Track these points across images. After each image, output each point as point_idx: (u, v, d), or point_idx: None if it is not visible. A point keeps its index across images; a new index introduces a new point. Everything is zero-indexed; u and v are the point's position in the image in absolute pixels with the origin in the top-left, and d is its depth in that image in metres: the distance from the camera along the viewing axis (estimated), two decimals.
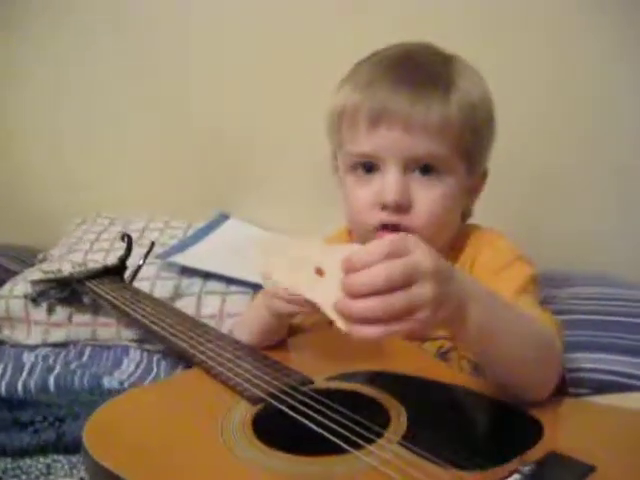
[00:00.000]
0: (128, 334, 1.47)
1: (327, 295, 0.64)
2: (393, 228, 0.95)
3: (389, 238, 0.64)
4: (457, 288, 0.68)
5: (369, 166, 0.97)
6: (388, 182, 0.94)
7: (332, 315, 0.63)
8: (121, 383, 1.28)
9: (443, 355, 0.99)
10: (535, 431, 0.71)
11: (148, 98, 2.00)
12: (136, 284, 1.49)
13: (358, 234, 1.05)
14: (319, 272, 0.65)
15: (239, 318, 1.25)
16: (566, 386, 0.89)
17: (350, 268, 0.63)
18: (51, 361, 1.37)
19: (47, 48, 2.03)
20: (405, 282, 0.62)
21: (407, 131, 0.93)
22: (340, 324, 0.63)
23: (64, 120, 2.11)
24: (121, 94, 2.03)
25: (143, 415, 0.83)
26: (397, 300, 0.61)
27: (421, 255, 0.64)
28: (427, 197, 0.95)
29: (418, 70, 0.96)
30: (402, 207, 0.94)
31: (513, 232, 1.05)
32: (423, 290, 0.63)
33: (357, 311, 0.61)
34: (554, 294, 1.41)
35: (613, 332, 1.24)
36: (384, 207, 0.95)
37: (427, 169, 0.95)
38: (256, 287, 1.58)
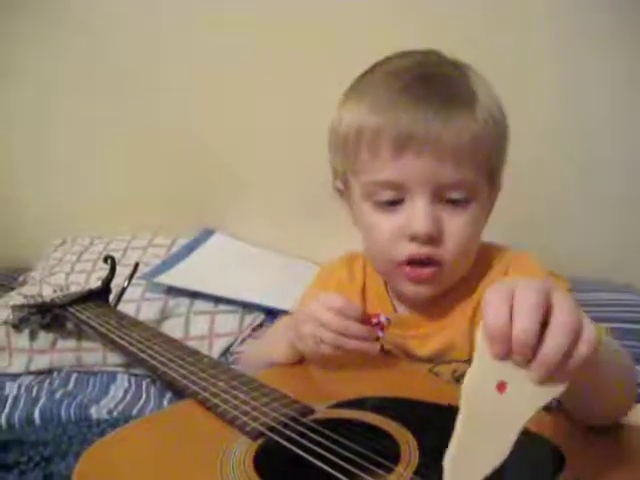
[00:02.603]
0: (115, 359, 1.43)
1: (527, 401, 0.56)
2: (423, 261, 0.90)
3: (534, 297, 0.56)
4: None
5: (392, 199, 0.89)
6: (418, 212, 0.87)
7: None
8: (109, 412, 1.24)
9: (458, 379, 0.95)
10: (556, 459, 0.67)
11: (130, 114, 1.97)
12: (121, 306, 1.45)
13: (380, 267, 0.99)
14: (502, 387, 0.56)
15: (249, 351, 1.20)
16: None
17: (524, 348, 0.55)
18: (35, 391, 1.32)
19: (29, 67, 2.00)
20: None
21: (437, 157, 0.85)
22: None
23: (43, 140, 2.07)
24: (102, 111, 1.99)
25: (136, 455, 0.78)
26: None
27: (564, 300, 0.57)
28: (457, 226, 0.89)
29: (440, 86, 0.88)
30: (433, 239, 0.88)
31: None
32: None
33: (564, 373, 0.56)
34: None
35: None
36: (413, 239, 0.88)
37: (456, 196, 0.89)
38: (245, 306, 1.55)
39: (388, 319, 0.91)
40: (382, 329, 0.90)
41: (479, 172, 0.89)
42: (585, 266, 1.56)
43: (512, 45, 1.58)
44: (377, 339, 0.90)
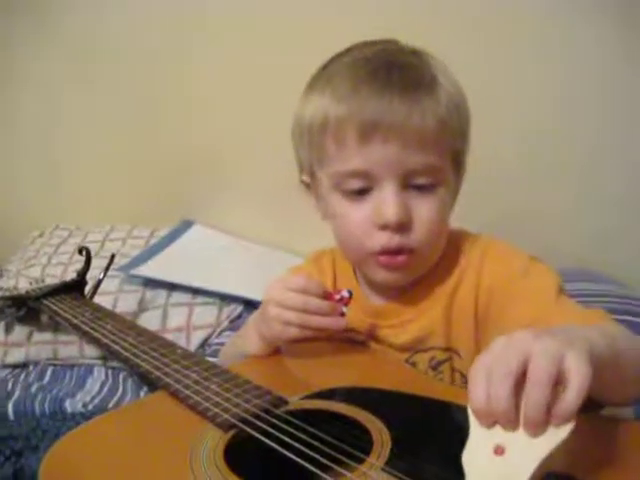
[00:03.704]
0: (92, 352, 1.42)
1: (526, 456, 0.57)
2: (396, 250, 0.89)
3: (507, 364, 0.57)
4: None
5: (361, 188, 0.88)
6: (388, 201, 0.86)
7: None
8: (85, 405, 1.23)
9: (435, 367, 0.94)
10: None
11: (107, 104, 1.95)
12: (98, 299, 1.43)
13: (352, 257, 0.98)
14: (498, 451, 0.58)
15: (226, 347, 1.19)
16: None
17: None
18: (10, 385, 1.31)
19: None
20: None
21: (403, 143, 0.85)
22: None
23: (18, 131, 2.05)
24: (80, 104, 1.99)
25: (105, 448, 0.77)
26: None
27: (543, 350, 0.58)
28: (425, 212, 0.88)
29: (402, 73, 0.87)
30: (404, 226, 0.87)
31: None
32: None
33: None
34: None
35: None
36: (383, 228, 0.87)
37: (423, 182, 0.88)
38: (223, 297, 1.53)
39: (350, 292, 0.91)
40: (346, 304, 0.91)
41: (444, 157, 0.89)
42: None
43: (514, 44, 1.57)
44: (342, 314, 0.90)
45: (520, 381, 0.57)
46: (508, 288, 0.89)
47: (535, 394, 0.56)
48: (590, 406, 0.60)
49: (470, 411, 0.59)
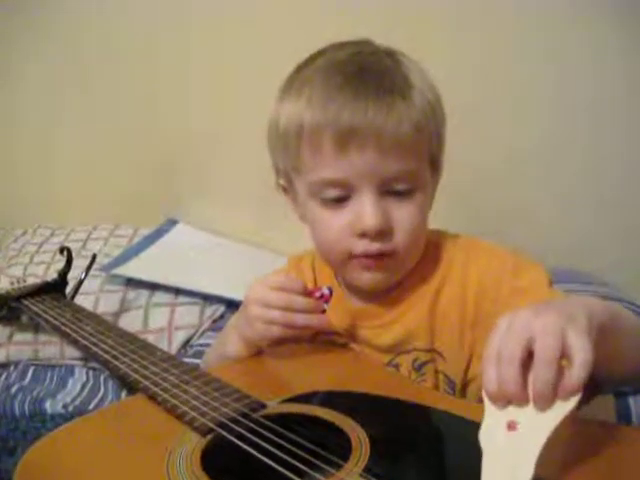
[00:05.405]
0: (73, 352, 1.41)
1: (537, 428, 0.61)
2: (375, 255, 0.88)
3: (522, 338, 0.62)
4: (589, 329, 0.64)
5: (338, 196, 0.88)
6: (366, 208, 0.86)
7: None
8: (65, 406, 1.22)
9: (418, 369, 0.93)
10: None
11: (93, 107, 1.96)
12: (79, 299, 1.42)
13: (332, 262, 0.97)
14: (512, 426, 0.62)
15: (209, 350, 1.18)
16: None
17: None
18: None
19: None
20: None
21: (380, 151, 0.84)
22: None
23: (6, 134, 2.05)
24: (64, 105, 1.99)
25: (82, 452, 0.76)
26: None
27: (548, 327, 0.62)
28: (404, 217, 0.88)
29: (377, 78, 0.86)
30: (384, 233, 0.87)
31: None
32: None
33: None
34: None
35: None
36: (363, 235, 0.87)
37: (401, 187, 0.88)
38: (206, 297, 1.53)
39: (330, 289, 0.93)
40: (326, 301, 0.92)
41: (422, 161, 0.89)
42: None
43: (502, 45, 1.56)
44: (323, 312, 0.91)
45: (527, 360, 0.62)
46: (500, 289, 0.89)
47: (543, 373, 0.60)
48: (589, 386, 0.63)
49: (484, 393, 0.64)
